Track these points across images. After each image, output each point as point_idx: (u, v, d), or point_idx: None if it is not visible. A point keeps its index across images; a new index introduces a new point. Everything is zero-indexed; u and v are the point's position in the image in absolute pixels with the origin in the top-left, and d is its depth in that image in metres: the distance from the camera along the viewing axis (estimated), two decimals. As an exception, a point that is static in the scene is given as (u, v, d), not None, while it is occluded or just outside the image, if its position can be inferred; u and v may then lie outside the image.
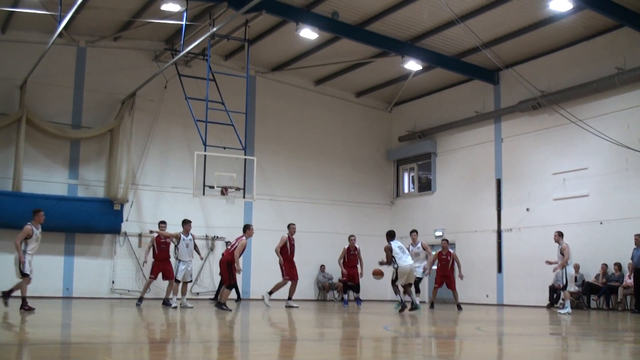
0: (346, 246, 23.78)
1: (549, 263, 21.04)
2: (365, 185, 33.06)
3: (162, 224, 21.67)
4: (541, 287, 25.64)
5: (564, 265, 20.18)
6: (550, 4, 21.87)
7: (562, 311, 20.07)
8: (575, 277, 24.50)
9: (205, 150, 24.08)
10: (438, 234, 29.84)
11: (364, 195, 32.83)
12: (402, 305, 19.20)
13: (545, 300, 25.29)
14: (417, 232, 23.39)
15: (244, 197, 25.00)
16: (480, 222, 28.66)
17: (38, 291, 25.41)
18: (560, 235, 20.59)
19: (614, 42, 24.46)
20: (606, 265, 23.95)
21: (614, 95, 24.29)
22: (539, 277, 25.75)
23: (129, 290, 27.22)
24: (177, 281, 20.88)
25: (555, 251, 20.60)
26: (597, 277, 24.20)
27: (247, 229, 19.36)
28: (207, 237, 28.94)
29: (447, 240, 24.50)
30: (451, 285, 23.36)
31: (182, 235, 20.86)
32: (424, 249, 22.79)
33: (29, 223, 17.47)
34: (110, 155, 27.47)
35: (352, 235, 24.06)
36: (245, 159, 25.05)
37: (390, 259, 19.23)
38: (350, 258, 23.54)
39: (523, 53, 26.96)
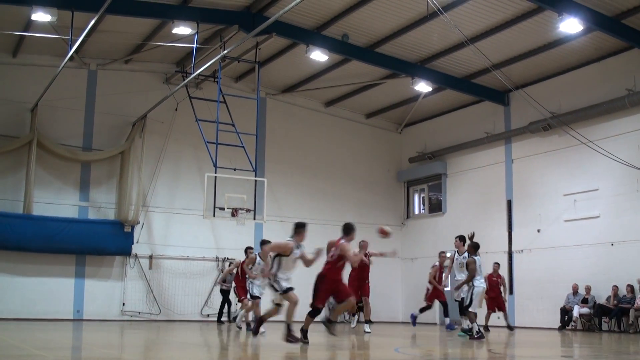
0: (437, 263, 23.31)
1: None
2: (375, 207, 32.97)
3: (249, 249, 21.23)
4: (552, 308, 25.51)
5: None
6: (561, 25, 21.86)
7: None
8: (587, 299, 24.44)
9: (215, 172, 24.15)
10: (448, 255, 29.70)
11: (374, 217, 32.67)
12: (479, 334, 17.35)
13: (556, 322, 25.14)
14: (464, 239, 19.61)
15: (254, 218, 25.00)
16: (491, 244, 28.47)
17: (48, 314, 25.57)
18: None
19: (624, 63, 24.44)
20: (617, 287, 23.82)
21: (624, 117, 24.23)
22: (551, 299, 25.64)
23: (139, 312, 27.22)
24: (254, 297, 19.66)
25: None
26: (608, 299, 24.05)
27: (351, 230, 14.47)
28: (217, 259, 28.94)
29: (498, 264, 24.24)
30: (502, 307, 23.14)
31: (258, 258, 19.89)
32: None
33: (290, 238, 14.39)
34: (121, 177, 27.54)
35: (443, 252, 23.84)
36: (255, 181, 25.07)
37: (472, 277, 17.54)
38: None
39: (533, 74, 26.97)
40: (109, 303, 27.02)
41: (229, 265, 26.36)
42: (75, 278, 26.61)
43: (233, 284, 22.56)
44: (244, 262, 20.83)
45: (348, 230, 14.27)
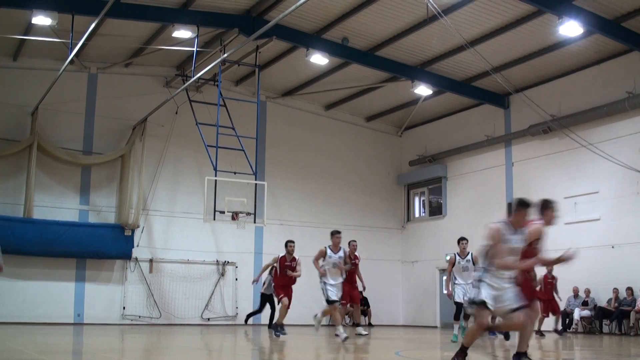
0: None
1: None
2: (376, 210, 32.95)
3: (290, 243, 19.28)
4: (553, 311, 25.49)
5: None
6: (561, 28, 21.86)
7: None
8: (587, 301, 24.43)
9: (215, 176, 24.13)
10: (448, 258, 29.65)
11: (374, 220, 32.72)
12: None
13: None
14: (467, 241, 18.98)
15: (254, 222, 24.94)
16: (491, 247, 28.45)
17: (49, 317, 25.56)
18: None
19: (625, 66, 24.44)
20: (617, 289, 23.81)
21: (624, 119, 24.24)
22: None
23: (140, 316, 27.19)
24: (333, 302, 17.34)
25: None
26: (609, 301, 24.05)
27: (545, 208, 10.95)
28: (217, 262, 28.92)
29: None
30: (557, 311, 22.94)
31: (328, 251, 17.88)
32: (474, 263, 18.21)
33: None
34: (121, 180, 27.52)
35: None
36: (255, 184, 25.04)
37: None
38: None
39: (533, 77, 26.97)
40: (110, 307, 26.98)
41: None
42: (76, 282, 26.58)
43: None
44: (283, 258, 19.00)
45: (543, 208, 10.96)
